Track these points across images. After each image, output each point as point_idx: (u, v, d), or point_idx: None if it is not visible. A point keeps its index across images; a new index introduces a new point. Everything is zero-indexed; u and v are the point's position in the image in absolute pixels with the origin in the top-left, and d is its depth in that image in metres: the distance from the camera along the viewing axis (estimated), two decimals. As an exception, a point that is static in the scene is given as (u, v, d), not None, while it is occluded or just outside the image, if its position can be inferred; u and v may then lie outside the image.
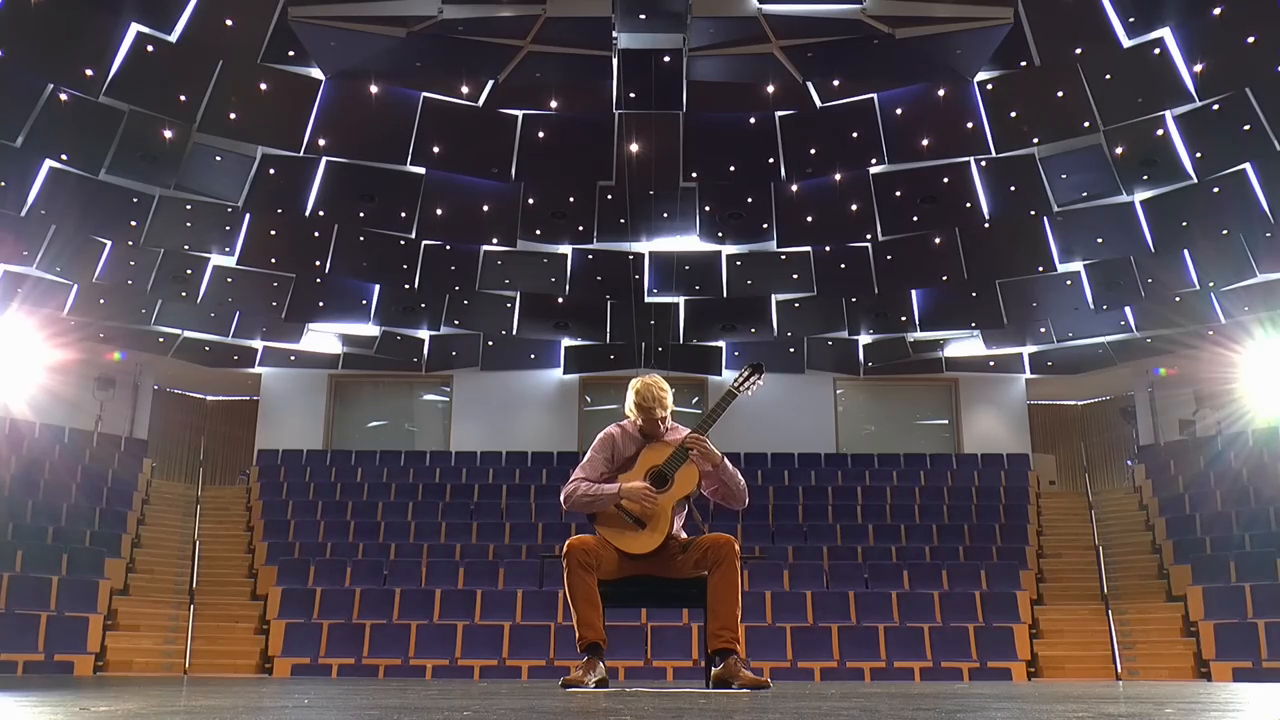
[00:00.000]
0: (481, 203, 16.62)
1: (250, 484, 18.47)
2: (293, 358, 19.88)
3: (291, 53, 14.25)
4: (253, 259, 16.98)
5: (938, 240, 17.01)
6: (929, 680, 11.70)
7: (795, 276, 17.83)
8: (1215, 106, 14.21)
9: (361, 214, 16.47)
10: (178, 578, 15.32)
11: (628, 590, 4.89)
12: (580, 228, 17.07)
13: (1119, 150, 15.15)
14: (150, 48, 13.90)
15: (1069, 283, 17.28)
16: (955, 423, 20.70)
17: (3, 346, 17.15)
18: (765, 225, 17.01)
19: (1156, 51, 13.99)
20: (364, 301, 18.30)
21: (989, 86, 14.85)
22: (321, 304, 18.15)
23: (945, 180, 16.09)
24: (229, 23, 13.97)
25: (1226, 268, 16.11)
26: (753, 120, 15.64)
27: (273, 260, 17.09)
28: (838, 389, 20.68)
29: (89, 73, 13.84)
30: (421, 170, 16.12)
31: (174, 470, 20.81)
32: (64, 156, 14.77)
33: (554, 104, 15.46)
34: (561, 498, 4.95)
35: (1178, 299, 16.92)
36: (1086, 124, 14.87)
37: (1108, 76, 14.32)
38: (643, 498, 4.80)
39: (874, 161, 15.97)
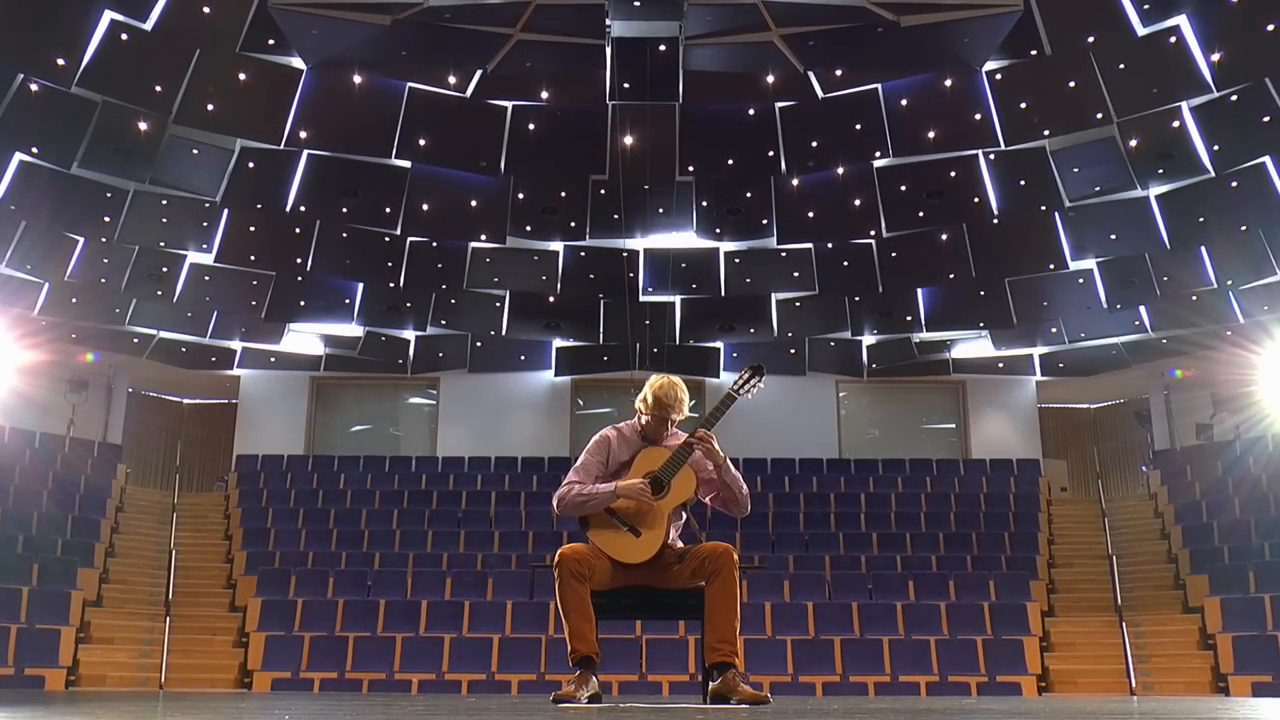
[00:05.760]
0: (469, 198, 16.13)
1: (229, 490, 17.93)
2: (273, 359, 19.35)
3: (271, 41, 13.84)
4: (231, 256, 16.45)
5: (944, 237, 16.53)
6: (935, 695, 11.24)
7: (796, 274, 17.31)
8: (1233, 97, 13.80)
9: (344, 210, 16.00)
10: (153, 588, 14.82)
11: (623, 601, 4.73)
12: (573, 224, 16.56)
13: (1133, 143, 14.68)
14: (124, 36, 13.46)
15: (1081, 281, 16.78)
16: (962, 427, 20.19)
17: (-29, 348, 16.59)
18: (765, 221, 16.50)
19: (1172, 40, 13.58)
20: (347, 301, 17.79)
21: (998, 77, 14.41)
22: (302, 303, 17.65)
23: (952, 174, 15.60)
24: (207, 10, 13.53)
25: (1245, 265, 15.62)
26: (751, 111, 15.16)
27: (252, 258, 16.57)
28: (840, 392, 20.17)
29: (61, 62, 13.38)
30: (407, 164, 15.65)
31: (149, 476, 20.22)
32: (34, 149, 14.28)
33: (545, 95, 14.98)
34: (554, 501, 4.68)
35: (1194, 298, 16.43)
36: (1100, 115, 14.41)
37: (1121, 66, 13.91)
38: (637, 493, 4.54)
39: (878, 155, 15.49)
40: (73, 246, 15.70)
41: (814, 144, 15.44)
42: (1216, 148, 14.43)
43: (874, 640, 12.25)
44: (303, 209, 15.90)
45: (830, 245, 16.94)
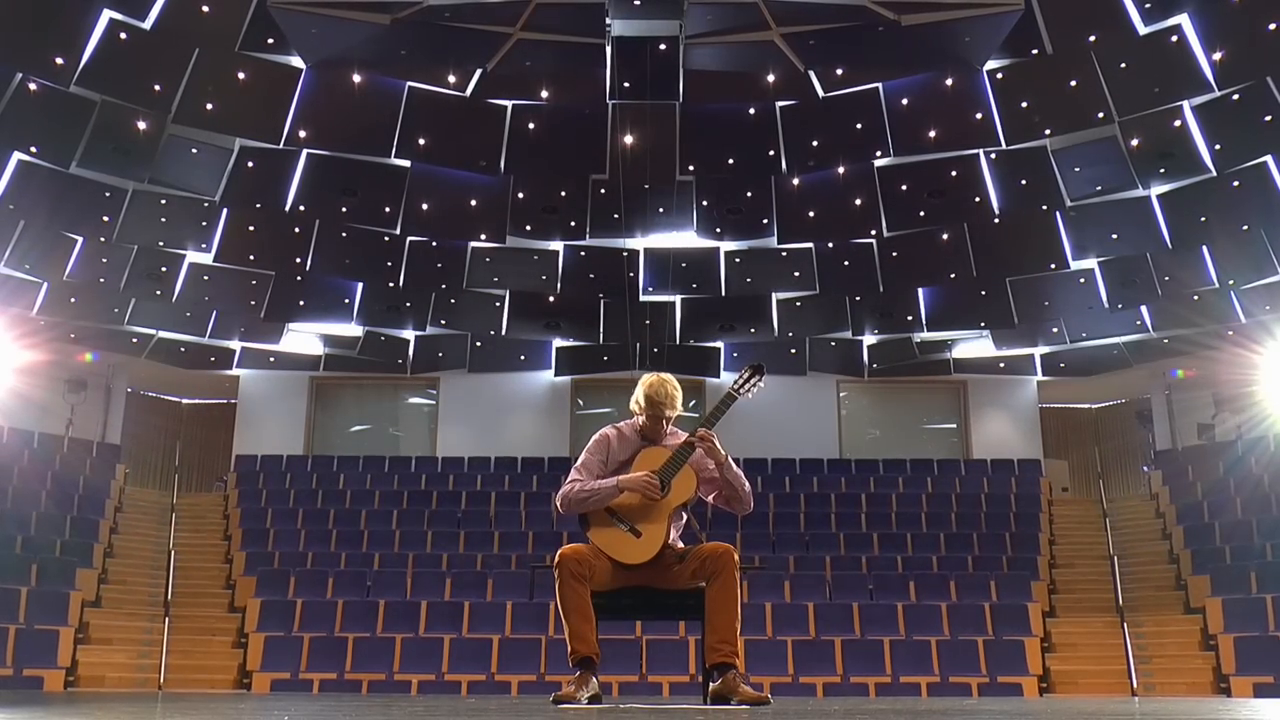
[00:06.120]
0: (469, 197, 16.08)
1: (227, 490, 17.89)
2: (272, 359, 19.32)
3: (270, 40, 13.78)
4: (230, 256, 16.40)
5: (945, 236, 16.49)
6: (936, 696, 11.25)
7: (796, 274, 17.27)
8: (1235, 97, 13.76)
9: (343, 209, 15.95)
10: (152, 589, 14.77)
11: (622, 602, 4.70)
12: (572, 223, 16.51)
13: (1134, 142, 14.63)
14: (123, 35, 13.41)
15: (1082, 281, 16.75)
16: (964, 427, 20.15)
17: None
18: (765, 221, 16.46)
19: (1174, 39, 13.53)
20: (346, 301, 17.75)
21: (999, 76, 14.35)
22: (302, 303, 17.60)
23: (953, 173, 15.55)
24: (205, 9, 13.44)
25: (1247, 265, 15.57)
26: (752, 111, 15.11)
27: (251, 257, 16.53)
28: (841, 391, 20.13)
29: (59, 61, 13.33)
30: (407, 163, 15.60)
31: (148, 476, 20.20)
32: (33, 149, 14.22)
33: (544, 94, 14.92)
34: (557, 500, 4.66)
35: (1196, 297, 16.39)
36: (1101, 115, 14.36)
37: (1123, 65, 13.85)
38: (644, 485, 4.51)
39: (879, 154, 15.44)
40: (71, 246, 15.65)
41: (814, 143, 15.39)
42: (1218, 147, 14.39)
43: (875, 641, 12.21)
44: (302, 208, 15.86)
45: (831, 245, 16.90)
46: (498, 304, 18.09)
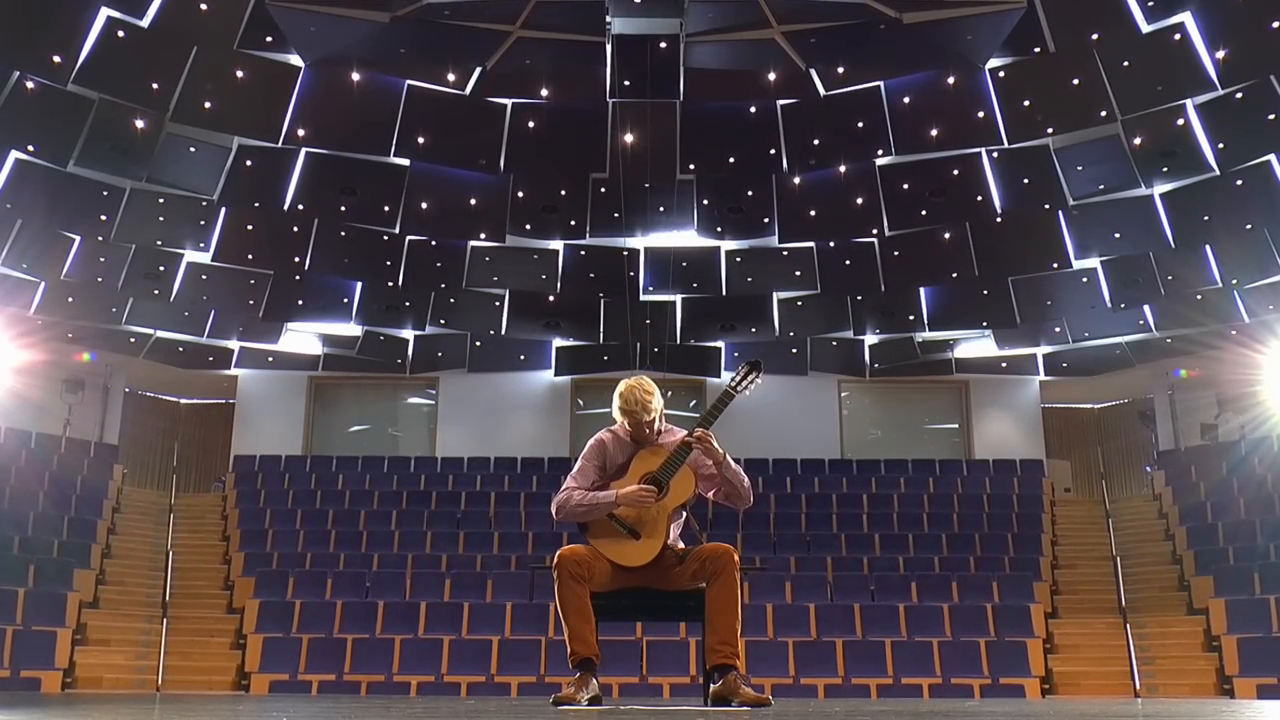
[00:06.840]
0: (468, 196, 16.03)
1: (226, 491, 17.84)
2: (271, 359, 19.25)
3: (269, 38, 13.76)
4: (229, 255, 16.33)
5: (947, 235, 16.43)
6: (938, 697, 11.23)
7: (798, 274, 17.21)
8: (1238, 95, 13.73)
9: (342, 208, 15.90)
10: (150, 590, 14.72)
11: (622, 603, 4.69)
12: (572, 222, 16.45)
13: (1137, 141, 14.57)
14: (121, 33, 13.37)
15: (1085, 280, 16.67)
16: (965, 427, 20.08)
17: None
18: (766, 220, 16.41)
19: (1176, 37, 13.50)
20: (345, 300, 17.68)
21: (1001, 74, 14.31)
22: (300, 303, 17.54)
23: (955, 172, 15.50)
24: (204, 7, 13.40)
25: (1250, 264, 15.49)
26: (753, 109, 15.08)
27: (249, 256, 16.46)
28: (842, 391, 20.07)
29: (57, 59, 13.30)
30: (406, 162, 15.55)
31: (146, 477, 20.12)
32: (30, 147, 14.17)
33: (544, 92, 14.87)
34: (553, 508, 4.63)
35: (1199, 297, 16.32)
36: (1103, 113, 14.32)
37: (1125, 64, 13.82)
38: (641, 499, 4.49)
39: (880, 153, 15.39)
40: (69, 245, 15.58)
41: (816, 142, 15.34)
42: (1221, 146, 14.33)
43: (876, 642, 12.16)
44: (301, 207, 15.81)
45: (832, 244, 16.84)
46: (497, 303, 18.03)
